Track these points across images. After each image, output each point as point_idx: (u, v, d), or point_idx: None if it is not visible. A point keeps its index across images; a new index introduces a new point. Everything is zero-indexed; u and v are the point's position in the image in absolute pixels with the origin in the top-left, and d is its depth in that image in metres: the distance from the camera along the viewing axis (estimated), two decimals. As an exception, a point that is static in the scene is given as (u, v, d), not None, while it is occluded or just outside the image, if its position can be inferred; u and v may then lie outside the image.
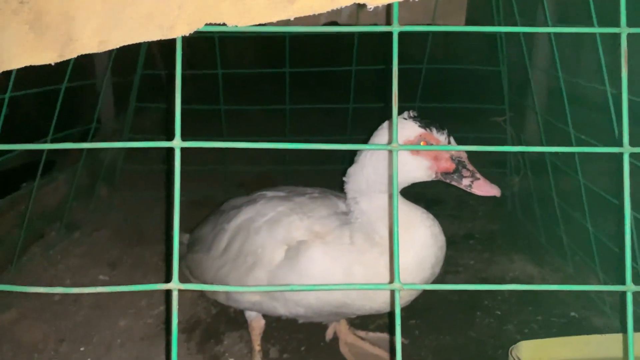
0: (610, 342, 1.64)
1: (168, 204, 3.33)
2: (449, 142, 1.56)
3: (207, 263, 1.82)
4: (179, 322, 2.21)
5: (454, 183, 1.56)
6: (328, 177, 3.51)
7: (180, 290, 2.57)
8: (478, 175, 1.54)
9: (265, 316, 1.90)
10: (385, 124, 1.56)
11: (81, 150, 3.83)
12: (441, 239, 1.63)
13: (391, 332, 2.11)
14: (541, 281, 2.50)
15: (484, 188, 1.53)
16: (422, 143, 1.52)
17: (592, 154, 2.22)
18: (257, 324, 1.85)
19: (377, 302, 1.58)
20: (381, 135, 1.52)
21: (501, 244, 2.86)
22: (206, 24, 0.78)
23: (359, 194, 1.61)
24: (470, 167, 1.55)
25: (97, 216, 3.10)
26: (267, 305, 1.68)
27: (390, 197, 1.57)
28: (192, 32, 0.81)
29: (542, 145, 2.48)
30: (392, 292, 1.56)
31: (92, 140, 3.67)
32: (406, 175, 1.52)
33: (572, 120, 2.22)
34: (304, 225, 1.65)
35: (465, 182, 1.54)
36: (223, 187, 3.53)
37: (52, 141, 2.55)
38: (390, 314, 2.18)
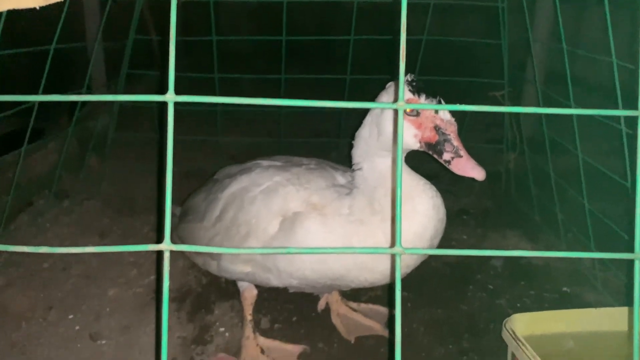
0: (603, 316, 1.64)
1: (160, 174, 3.29)
2: (438, 111, 1.46)
3: (200, 232, 1.79)
4: (170, 291, 2.18)
5: (435, 156, 1.47)
6: (321, 150, 3.49)
7: (172, 259, 2.51)
8: (462, 152, 1.44)
9: (257, 286, 1.88)
10: (391, 84, 1.51)
11: (71, 118, 3.74)
12: (442, 211, 1.59)
13: (390, 302, 2.10)
14: (534, 257, 2.50)
15: (462, 167, 1.43)
16: (408, 110, 1.46)
17: (591, 131, 2.19)
18: (249, 293, 1.83)
19: (375, 273, 1.56)
20: (386, 94, 1.48)
21: (495, 220, 2.86)
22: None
23: (362, 158, 1.57)
24: (456, 142, 1.44)
25: (87, 185, 3.04)
26: (260, 276, 1.66)
27: (393, 163, 1.53)
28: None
29: (541, 120, 2.45)
30: (392, 261, 1.55)
31: (83, 108, 3.60)
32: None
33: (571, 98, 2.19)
34: (301, 197, 1.61)
35: (446, 156, 1.44)
36: (214, 159, 3.48)
37: (41, 106, 2.48)
38: (385, 285, 2.17)
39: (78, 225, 2.67)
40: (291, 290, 1.82)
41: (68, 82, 3.44)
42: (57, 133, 3.02)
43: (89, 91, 3.67)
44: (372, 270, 1.57)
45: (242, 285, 1.85)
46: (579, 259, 2.41)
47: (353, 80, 3.31)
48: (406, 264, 1.57)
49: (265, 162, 1.82)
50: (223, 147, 3.57)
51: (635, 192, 0.82)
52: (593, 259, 2.31)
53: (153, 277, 2.27)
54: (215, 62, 3.05)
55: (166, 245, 0.82)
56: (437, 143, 1.45)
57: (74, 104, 3.60)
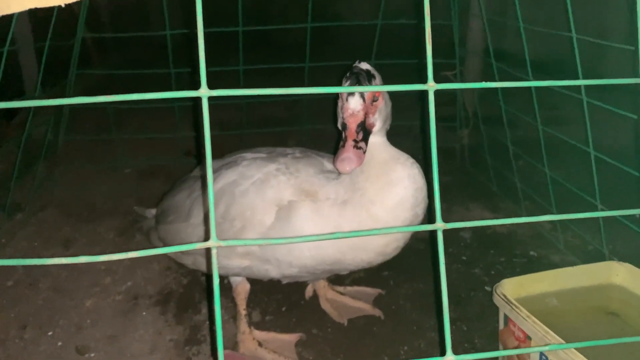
0: (580, 274, 1.76)
1: (113, 175, 3.16)
2: (345, 102, 1.46)
3: (187, 231, 1.75)
4: (151, 296, 2.13)
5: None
6: (278, 139, 3.48)
7: (146, 263, 2.45)
8: (345, 143, 1.44)
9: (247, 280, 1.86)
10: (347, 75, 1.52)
11: (7, 126, 3.50)
12: (420, 181, 1.60)
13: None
14: (498, 226, 2.63)
15: (336, 155, 1.44)
16: (339, 102, 1.51)
17: (546, 102, 2.31)
18: (242, 288, 1.81)
19: (369, 252, 1.59)
20: (345, 83, 1.50)
21: (456, 194, 2.97)
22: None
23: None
24: (346, 132, 1.45)
25: (39, 194, 2.88)
26: (259, 268, 1.65)
27: (373, 145, 1.56)
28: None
29: (496, 94, 2.56)
30: (387, 242, 1.59)
31: (18, 114, 3.38)
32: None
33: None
34: (293, 185, 1.61)
35: (340, 143, 1.46)
36: (169, 156, 3.39)
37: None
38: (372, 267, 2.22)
39: (37, 237, 2.53)
40: (285, 282, 1.82)
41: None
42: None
43: (24, 96, 3.45)
44: (365, 249, 1.60)
45: (235, 280, 1.83)
46: (539, 223, 2.57)
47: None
48: (404, 236, 1.61)
49: (249, 155, 1.80)
50: (177, 143, 3.48)
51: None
52: (554, 223, 2.47)
53: (130, 283, 2.20)
54: (241, 54, 2.92)
55: (214, 242, 0.81)
56: (342, 130, 1.48)
57: (7, 112, 3.37)
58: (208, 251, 1.53)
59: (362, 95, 1.44)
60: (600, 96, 1.92)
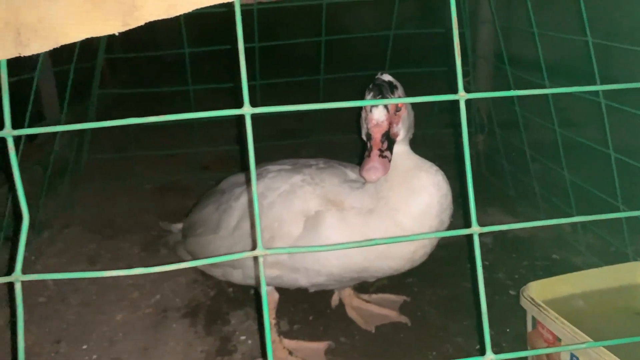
0: (604, 275, 1.78)
1: (133, 191, 3.22)
2: (369, 113, 1.51)
3: (217, 243, 1.79)
4: (179, 308, 2.16)
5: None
6: (292, 150, 3.53)
7: (173, 277, 2.49)
8: (370, 152, 1.49)
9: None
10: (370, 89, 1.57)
11: (29, 147, 3.58)
12: (444, 188, 1.62)
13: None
14: (519, 230, 2.65)
15: (362, 165, 1.49)
16: (362, 113, 1.56)
17: (559, 104, 2.34)
18: (271, 298, 1.85)
19: (396, 260, 1.62)
20: (368, 96, 1.55)
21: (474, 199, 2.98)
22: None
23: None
24: (371, 142, 1.49)
25: (63, 212, 2.94)
26: (288, 277, 1.68)
27: (397, 154, 1.60)
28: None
29: (513, 100, 2.59)
30: (414, 249, 1.61)
31: (39, 136, 3.45)
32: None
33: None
34: (318, 195, 1.65)
35: (366, 153, 1.51)
36: (187, 171, 3.45)
37: None
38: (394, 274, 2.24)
39: (64, 254, 2.58)
40: (312, 290, 1.85)
41: (20, 115, 3.27)
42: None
43: (44, 118, 3.52)
44: (392, 258, 1.63)
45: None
46: (560, 226, 2.58)
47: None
48: (430, 243, 1.64)
49: (274, 167, 1.84)
50: (194, 158, 3.54)
51: None
52: (574, 226, 2.48)
53: (158, 297, 2.24)
54: (257, 70, 3.00)
55: (261, 251, 0.85)
56: (367, 140, 1.53)
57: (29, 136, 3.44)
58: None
59: (385, 105, 1.48)
60: (614, 98, 1.95)
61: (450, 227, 2.70)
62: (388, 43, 3.11)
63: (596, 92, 1.94)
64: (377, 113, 1.48)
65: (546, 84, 2.21)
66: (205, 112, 0.85)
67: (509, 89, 2.55)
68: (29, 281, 2.33)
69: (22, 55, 0.80)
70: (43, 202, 2.85)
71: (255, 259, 1.64)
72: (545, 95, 2.30)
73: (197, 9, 0.78)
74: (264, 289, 0.86)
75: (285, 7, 3.33)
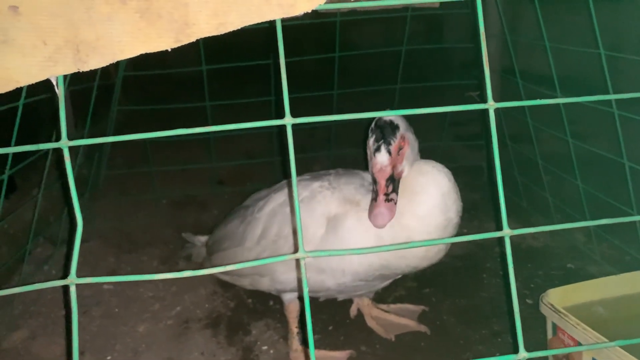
0: (622, 282, 1.81)
1: (150, 206, 3.27)
2: (374, 153, 1.57)
3: (243, 255, 1.84)
4: (200, 319, 2.19)
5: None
6: (305, 165, 3.57)
7: (193, 288, 2.51)
8: (377, 197, 1.54)
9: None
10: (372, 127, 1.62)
11: (44, 164, 3.64)
12: (446, 185, 1.64)
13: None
14: (533, 240, 2.68)
15: (370, 210, 1.55)
16: (367, 151, 1.62)
17: (570, 115, 2.38)
18: (294, 306, 1.88)
19: (412, 258, 1.66)
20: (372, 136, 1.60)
21: (486, 211, 3.02)
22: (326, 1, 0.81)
23: None
24: (377, 187, 1.55)
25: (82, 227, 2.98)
26: (315, 279, 1.72)
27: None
28: (312, 8, 0.83)
29: (524, 112, 2.64)
30: (426, 247, 1.65)
31: (55, 155, 3.51)
32: None
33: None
34: (337, 198, 1.71)
35: (373, 196, 1.57)
36: (202, 186, 3.50)
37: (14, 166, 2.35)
38: (409, 284, 2.27)
39: (85, 267, 2.62)
40: (341, 298, 1.89)
41: (35, 134, 3.33)
42: (31, 183, 2.93)
43: (59, 137, 3.58)
44: (407, 257, 1.66)
45: (287, 298, 1.90)
46: (574, 236, 2.61)
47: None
48: (438, 248, 1.68)
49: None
50: (209, 173, 3.59)
51: None
52: (588, 235, 2.51)
53: (179, 308, 2.27)
54: (272, 84, 3.08)
55: (302, 254, 0.89)
56: (373, 183, 1.58)
57: (45, 154, 3.50)
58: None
59: (388, 150, 1.54)
60: (625, 108, 1.99)
61: (461, 233, 2.75)
62: (393, 58, 3.17)
63: (608, 103, 1.99)
64: (380, 157, 1.55)
65: (558, 95, 2.26)
66: (247, 123, 0.90)
67: (519, 100, 2.59)
68: (53, 295, 2.38)
69: (80, 71, 0.85)
70: (60, 217, 2.91)
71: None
72: (557, 106, 2.35)
73: (245, 26, 0.83)
74: (306, 291, 0.90)
75: (294, 24, 3.41)
